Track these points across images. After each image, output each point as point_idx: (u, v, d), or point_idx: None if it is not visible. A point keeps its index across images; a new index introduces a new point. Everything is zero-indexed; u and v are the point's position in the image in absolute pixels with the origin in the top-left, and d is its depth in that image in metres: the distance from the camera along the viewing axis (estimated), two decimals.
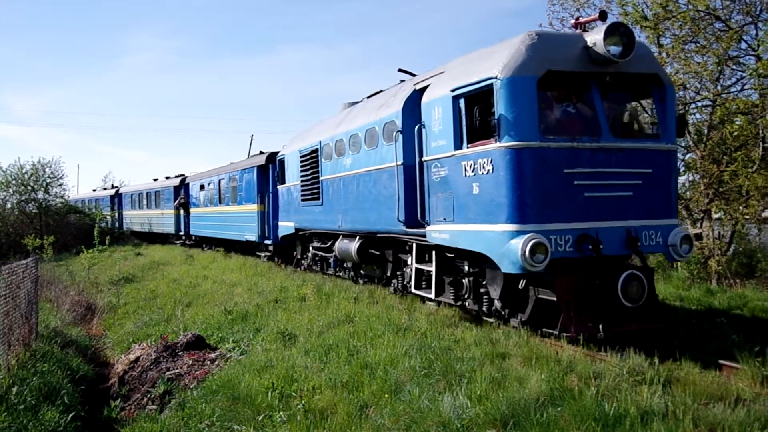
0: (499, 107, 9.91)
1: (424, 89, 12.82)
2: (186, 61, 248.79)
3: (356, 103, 18.16)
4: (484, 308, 11.49)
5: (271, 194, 25.13)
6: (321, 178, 18.11)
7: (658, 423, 6.20)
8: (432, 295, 12.68)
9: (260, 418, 8.99)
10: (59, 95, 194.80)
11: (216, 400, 10.08)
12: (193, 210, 37.50)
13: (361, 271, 17.38)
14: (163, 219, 42.61)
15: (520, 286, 10.37)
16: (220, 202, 32.07)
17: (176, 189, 40.16)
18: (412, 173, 12.85)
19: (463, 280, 11.95)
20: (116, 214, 52.44)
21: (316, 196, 18.52)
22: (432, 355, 9.20)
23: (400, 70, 15.62)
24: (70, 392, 12.11)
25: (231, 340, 14.02)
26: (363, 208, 15.34)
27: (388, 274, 15.64)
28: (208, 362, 12.92)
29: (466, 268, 11.77)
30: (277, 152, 24.02)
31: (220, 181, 32.21)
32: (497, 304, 11.00)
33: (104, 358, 17.37)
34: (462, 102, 11.05)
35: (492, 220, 10.11)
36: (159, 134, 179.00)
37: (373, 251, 15.82)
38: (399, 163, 13.20)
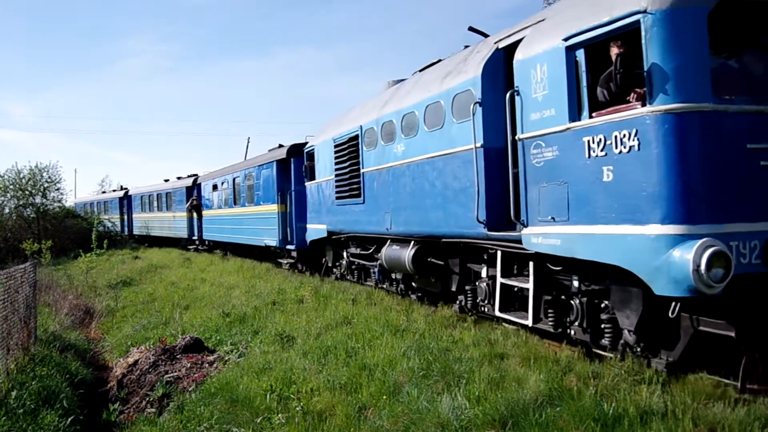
0: (651, 54, 7.12)
1: (513, 46, 9.98)
2: (180, 65, 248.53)
3: (403, 80, 15.41)
4: (606, 341, 8.54)
5: (293, 192, 22.13)
6: (362, 171, 15.36)
7: (657, 422, 6.18)
8: (528, 321, 9.61)
9: (259, 420, 8.98)
10: (55, 100, 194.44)
11: (214, 403, 10.06)
12: (205, 213, 34.60)
13: (414, 284, 14.37)
14: (175, 222, 39.48)
15: (670, 314, 7.48)
16: (235, 203, 29.08)
17: (188, 190, 37.18)
18: (499, 158, 10.21)
19: (572, 302, 9.04)
20: (125, 218, 50.26)
21: (355, 192, 15.80)
22: (430, 356, 9.20)
23: (471, 29, 12.37)
24: (69, 396, 12.10)
25: (229, 342, 14.02)
26: (421, 205, 12.58)
27: (453, 288, 12.58)
28: (207, 365, 12.90)
29: (576, 284, 9.00)
30: (302, 144, 21.45)
31: (234, 179, 29.25)
32: (629, 336, 8.13)
33: (103, 361, 17.33)
34: (581, 54, 8.24)
35: (637, 219, 7.31)
36: (155, 138, 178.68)
37: (433, 260, 12.87)
38: (478, 144, 10.43)
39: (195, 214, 35.95)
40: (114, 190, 58.05)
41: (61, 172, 51.46)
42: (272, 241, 23.89)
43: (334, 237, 18.07)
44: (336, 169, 17.14)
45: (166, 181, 44.51)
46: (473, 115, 10.48)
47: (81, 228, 46.14)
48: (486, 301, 11.17)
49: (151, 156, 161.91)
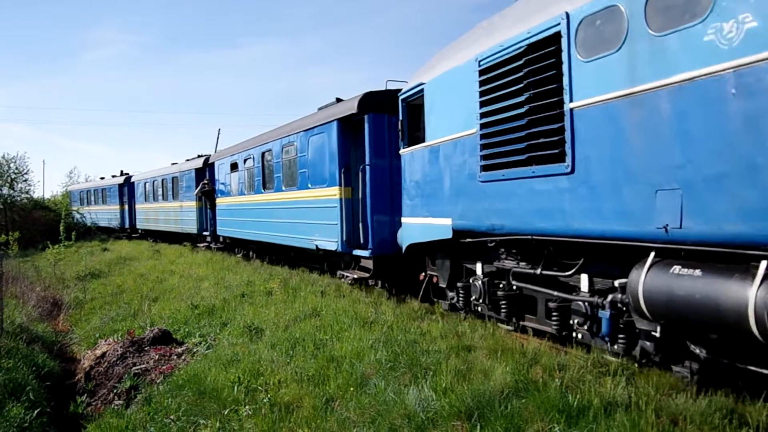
0: None
1: None
2: (149, 56, 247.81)
3: None
4: None
5: (369, 168, 14.63)
6: (569, 107, 8.25)
7: (621, 414, 6.23)
8: None
9: (226, 413, 8.96)
10: (21, 91, 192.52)
11: (182, 395, 10.03)
12: (220, 201, 26.88)
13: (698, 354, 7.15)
14: (182, 214, 32.01)
15: None
16: (264, 187, 21.20)
17: (198, 173, 29.86)
18: None
19: None
20: (126, 209, 43.47)
21: (548, 153, 8.62)
22: (398, 348, 9.22)
23: None
24: (35, 388, 12.02)
25: (197, 334, 13.95)
26: None
27: None
28: (175, 357, 12.85)
29: None
30: (383, 92, 14.76)
31: (264, 154, 21.22)
32: None
33: (70, 353, 17.21)
34: None
35: None
36: (125, 129, 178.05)
37: None
38: None
39: (207, 203, 28.77)
40: (114, 176, 47.89)
41: (28, 163, 51.16)
42: (329, 243, 16.16)
43: (467, 241, 10.93)
44: (484, 115, 9.84)
45: (174, 164, 35.93)
46: None
47: (49, 219, 45.76)
48: None
49: (121, 147, 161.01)
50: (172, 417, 9.43)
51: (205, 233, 29.56)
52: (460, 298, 11.69)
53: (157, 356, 12.95)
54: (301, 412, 8.30)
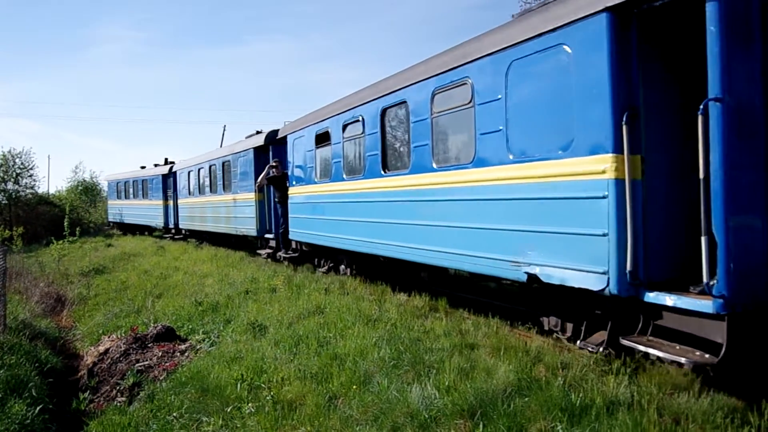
0: None
1: None
2: (155, 52, 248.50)
3: None
4: None
5: (721, 109, 6.15)
6: None
7: (623, 413, 6.23)
8: None
9: (229, 410, 8.95)
10: (28, 86, 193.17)
11: (185, 392, 10.03)
12: (297, 191, 18.40)
13: None
14: (236, 210, 24.26)
15: None
16: (386, 168, 13.06)
17: (259, 153, 22.01)
18: None
19: None
20: (171, 204, 35.74)
21: None
22: (401, 346, 9.21)
23: None
24: (38, 385, 12.00)
25: (201, 331, 13.95)
26: None
27: None
28: (178, 354, 12.85)
29: None
30: None
31: (386, 112, 13.03)
32: None
33: (74, 350, 17.21)
34: None
35: None
36: (130, 125, 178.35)
37: None
38: None
39: (275, 194, 20.30)
40: (156, 165, 39.55)
41: (33, 159, 51.09)
42: (578, 275, 7.82)
43: None
44: None
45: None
46: None
47: (54, 215, 45.82)
48: None
49: (126, 143, 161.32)
50: (174, 414, 9.43)
51: (268, 236, 21.67)
52: None
53: (160, 353, 12.96)
54: (303, 409, 8.29)
